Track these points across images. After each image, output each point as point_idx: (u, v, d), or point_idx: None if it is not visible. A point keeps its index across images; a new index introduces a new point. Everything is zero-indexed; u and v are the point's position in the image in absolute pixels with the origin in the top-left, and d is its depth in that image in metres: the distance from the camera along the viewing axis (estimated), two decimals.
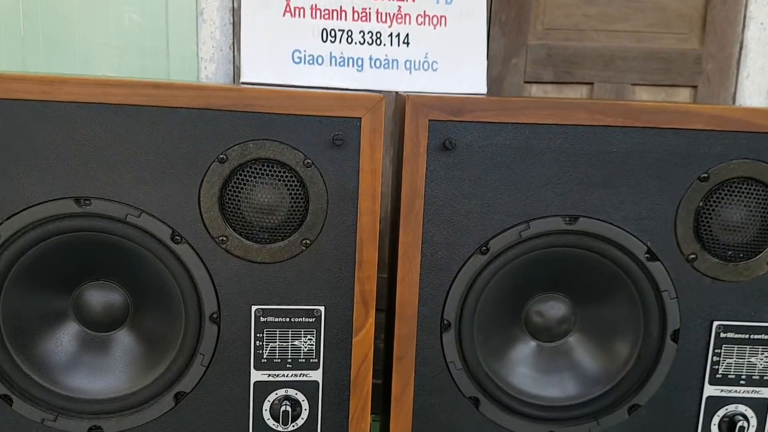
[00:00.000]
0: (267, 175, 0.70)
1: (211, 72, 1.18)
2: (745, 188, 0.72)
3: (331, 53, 1.04)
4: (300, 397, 0.77)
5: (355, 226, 0.72)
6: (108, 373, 0.75)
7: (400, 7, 1.06)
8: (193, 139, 0.68)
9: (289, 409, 0.76)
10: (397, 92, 0.81)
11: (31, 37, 1.17)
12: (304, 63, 1.01)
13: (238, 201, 0.70)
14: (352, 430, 0.78)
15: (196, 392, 0.74)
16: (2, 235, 0.68)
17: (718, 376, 0.77)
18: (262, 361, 0.75)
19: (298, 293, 0.74)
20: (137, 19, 1.16)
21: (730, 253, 0.74)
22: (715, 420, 0.79)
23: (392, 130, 1.01)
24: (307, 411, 0.77)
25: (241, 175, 0.70)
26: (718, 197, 0.72)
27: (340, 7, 1.04)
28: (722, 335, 0.76)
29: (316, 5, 1.04)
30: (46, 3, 1.16)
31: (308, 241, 0.72)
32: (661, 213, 0.73)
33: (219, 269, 0.72)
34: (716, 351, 0.77)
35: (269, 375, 0.76)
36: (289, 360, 0.75)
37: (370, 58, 1.02)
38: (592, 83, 1.31)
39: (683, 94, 1.34)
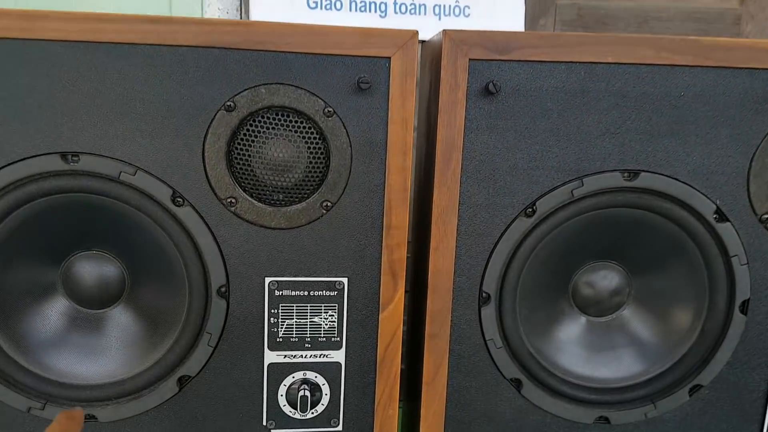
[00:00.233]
0: (281, 126, 0.61)
1: (215, 15, 1.07)
2: None
3: None
4: (320, 380, 0.68)
5: (383, 186, 0.63)
6: (102, 355, 0.66)
7: None
8: (196, 83, 0.59)
9: (307, 394, 0.67)
10: (423, 41, 0.72)
11: None
12: (321, 8, 0.91)
13: (249, 156, 0.61)
14: (378, 417, 0.70)
15: (203, 376, 0.66)
16: None
17: None
18: (278, 340, 0.66)
19: (317, 263, 0.65)
20: None
21: None
22: None
23: (419, 85, 0.91)
24: (328, 396, 0.68)
25: (251, 125, 0.60)
26: None
27: None
28: None
29: None
30: None
31: (329, 204, 0.63)
32: (732, 167, 0.64)
33: (227, 236, 0.63)
34: None
35: (285, 356, 0.67)
36: (308, 339, 0.67)
37: (395, 3, 0.92)
38: None
39: None
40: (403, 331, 0.68)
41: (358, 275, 0.66)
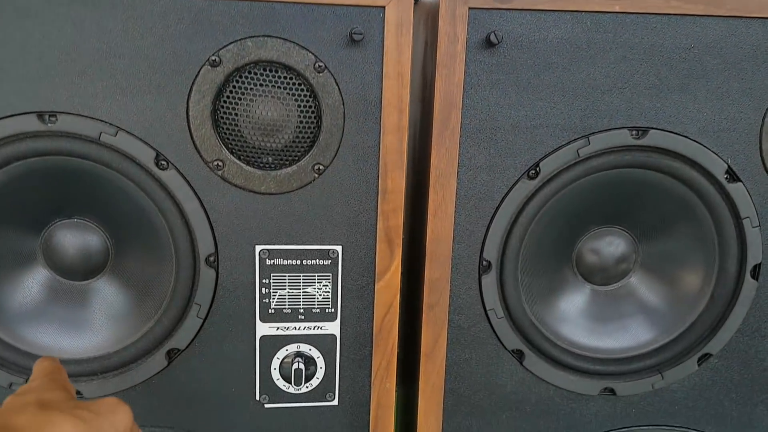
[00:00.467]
0: (269, 82, 0.57)
1: None
2: None
3: None
4: (314, 353, 0.65)
5: (378, 148, 0.60)
6: (87, 328, 0.63)
7: None
8: (179, 36, 0.55)
9: (302, 367, 0.65)
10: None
11: None
12: None
13: (236, 116, 0.58)
14: (375, 390, 0.67)
15: (192, 349, 0.63)
16: None
17: None
18: (270, 311, 0.63)
19: (310, 230, 0.62)
20: None
21: None
22: None
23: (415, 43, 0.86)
24: (323, 369, 0.66)
25: (237, 82, 0.57)
26: None
27: None
28: None
29: None
30: None
31: (321, 167, 0.60)
32: (743, 123, 0.61)
33: (215, 201, 0.60)
34: None
35: (278, 328, 0.64)
36: (301, 310, 0.64)
37: None
38: None
39: None
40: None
41: (352, 243, 0.63)
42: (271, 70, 0.57)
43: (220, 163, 0.59)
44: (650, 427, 0.70)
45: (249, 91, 0.57)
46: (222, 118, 0.58)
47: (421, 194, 0.67)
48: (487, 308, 0.65)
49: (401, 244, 0.64)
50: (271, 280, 0.63)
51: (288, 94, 0.58)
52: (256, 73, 0.57)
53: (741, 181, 0.62)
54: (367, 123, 0.59)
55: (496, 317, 0.65)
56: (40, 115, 0.56)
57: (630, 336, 0.67)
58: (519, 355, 0.67)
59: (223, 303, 0.63)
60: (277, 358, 0.65)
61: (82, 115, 0.56)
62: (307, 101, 0.58)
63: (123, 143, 0.57)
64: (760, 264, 0.64)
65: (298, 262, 0.63)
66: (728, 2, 0.58)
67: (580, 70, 0.58)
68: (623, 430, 0.70)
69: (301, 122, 0.59)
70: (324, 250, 0.63)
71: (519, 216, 0.63)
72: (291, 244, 0.62)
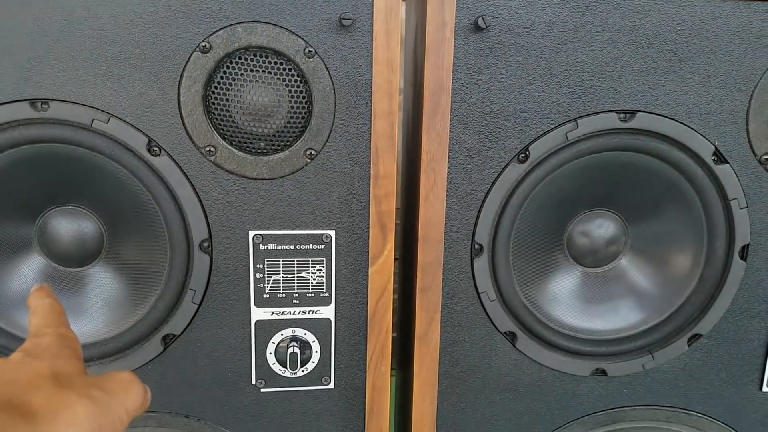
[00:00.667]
0: (260, 68, 0.58)
1: None
2: None
3: None
4: (309, 337, 0.66)
5: (369, 133, 0.61)
6: (83, 315, 0.64)
7: None
8: (169, 22, 0.56)
9: (297, 351, 0.65)
10: None
11: None
12: None
13: (227, 101, 0.58)
14: (371, 373, 0.68)
15: (188, 334, 0.64)
16: None
17: None
18: (264, 296, 0.64)
19: (303, 215, 0.62)
20: None
21: None
22: None
23: (405, 28, 0.87)
24: (318, 353, 0.66)
25: (228, 68, 0.57)
26: None
27: None
28: None
29: None
30: None
31: (313, 152, 0.60)
32: (730, 105, 0.61)
33: (208, 187, 0.60)
34: None
35: (273, 313, 0.65)
36: (296, 295, 0.65)
37: None
38: None
39: None
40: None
41: (345, 228, 0.64)
42: (261, 56, 0.58)
43: (213, 149, 0.59)
44: (641, 407, 0.71)
45: (240, 76, 0.58)
46: (213, 103, 0.58)
47: (414, 178, 0.67)
48: (480, 291, 0.66)
49: (394, 228, 0.64)
50: (266, 265, 0.64)
51: (278, 79, 0.58)
52: (246, 59, 0.57)
53: (728, 162, 0.63)
54: (357, 108, 0.60)
55: (489, 300, 0.66)
56: (33, 103, 0.56)
57: (621, 317, 0.68)
58: (511, 337, 0.68)
59: (218, 288, 0.63)
60: (273, 343, 0.66)
61: (74, 102, 0.57)
62: (298, 86, 0.59)
63: (115, 130, 0.57)
64: (748, 245, 0.65)
65: (292, 246, 0.63)
66: None
67: (568, 53, 0.59)
68: (615, 410, 0.71)
69: (292, 107, 0.59)
70: (317, 234, 0.64)
71: (510, 199, 0.63)
72: (284, 229, 0.63)
